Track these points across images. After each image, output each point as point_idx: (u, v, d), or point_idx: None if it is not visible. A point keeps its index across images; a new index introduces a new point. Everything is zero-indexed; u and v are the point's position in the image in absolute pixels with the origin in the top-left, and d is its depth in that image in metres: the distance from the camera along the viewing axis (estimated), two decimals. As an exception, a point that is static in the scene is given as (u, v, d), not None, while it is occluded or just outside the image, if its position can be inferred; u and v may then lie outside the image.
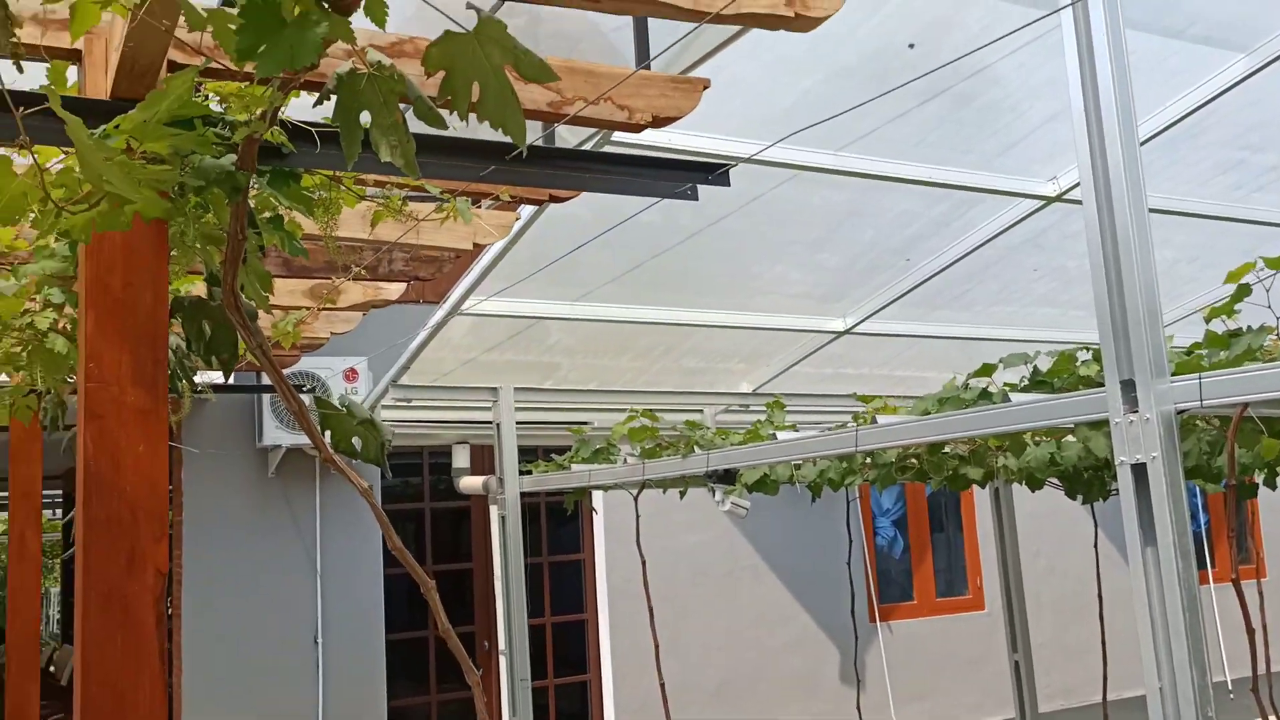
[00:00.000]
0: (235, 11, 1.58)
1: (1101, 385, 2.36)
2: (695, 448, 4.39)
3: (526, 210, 3.84)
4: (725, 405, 6.52)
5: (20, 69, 1.40)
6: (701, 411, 6.51)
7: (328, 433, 2.20)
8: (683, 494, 5.20)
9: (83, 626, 1.92)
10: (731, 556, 8.95)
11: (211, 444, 7.17)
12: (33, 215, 1.81)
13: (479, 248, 3.67)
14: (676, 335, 5.81)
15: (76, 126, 1.43)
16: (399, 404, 5.74)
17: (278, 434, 6.92)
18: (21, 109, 1.44)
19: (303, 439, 6.97)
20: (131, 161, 1.60)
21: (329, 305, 3.87)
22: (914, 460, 4.42)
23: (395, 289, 4.33)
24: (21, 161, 2.06)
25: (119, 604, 1.93)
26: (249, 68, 1.70)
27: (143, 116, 1.55)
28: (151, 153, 1.79)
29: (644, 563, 5.36)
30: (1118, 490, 2.29)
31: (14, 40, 1.33)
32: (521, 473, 5.63)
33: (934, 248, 4.91)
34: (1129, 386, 2.25)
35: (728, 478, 4.21)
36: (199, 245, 2.19)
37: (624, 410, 6.41)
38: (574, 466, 5.30)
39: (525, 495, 5.67)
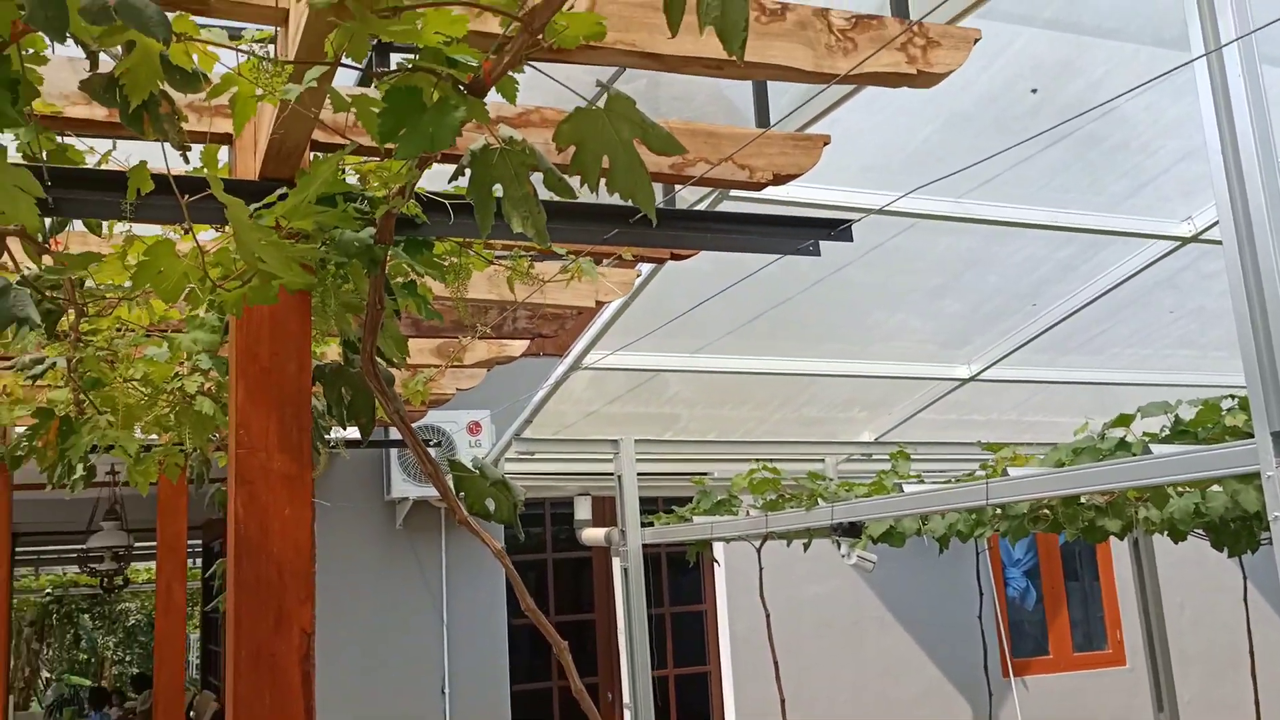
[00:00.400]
0: (377, 95, 1.66)
1: (1250, 436, 2.25)
2: (819, 500, 4.34)
3: (646, 266, 3.89)
4: (847, 454, 6.44)
5: (186, 159, 1.50)
6: (823, 461, 6.44)
7: (461, 494, 2.25)
8: (807, 546, 5.14)
9: (233, 685, 1.99)
10: (857, 607, 8.78)
11: (341, 497, 7.39)
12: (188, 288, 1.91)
13: (600, 304, 3.73)
14: (796, 385, 5.78)
15: (237, 211, 1.51)
16: (522, 456, 5.83)
17: (405, 487, 7.09)
18: (187, 196, 1.54)
19: (430, 491, 7.13)
20: (282, 240, 1.69)
21: (456, 363, 3.97)
22: (1047, 511, 4.28)
23: (519, 345, 4.42)
24: (170, 237, 2.18)
25: (267, 663, 2.00)
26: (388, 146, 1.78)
27: (296, 200, 1.64)
28: (298, 229, 1.89)
29: (768, 615, 5.30)
30: (1269, 541, 2.18)
31: (181, 133, 1.43)
32: (643, 524, 5.64)
33: (1061, 292, 4.79)
34: (1280, 438, 2.16)
35: (853, 531, 4.15)
36: (338, 313, 2.28)
37: (744, 460, 6.39)
38: (696, 519, 5.29)
39: (646, 546, 5.68)
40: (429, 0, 1.30)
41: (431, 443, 6.88)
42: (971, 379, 5.54)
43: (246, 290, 1.82)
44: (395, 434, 6.91)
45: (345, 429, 2.56)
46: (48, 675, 18.13)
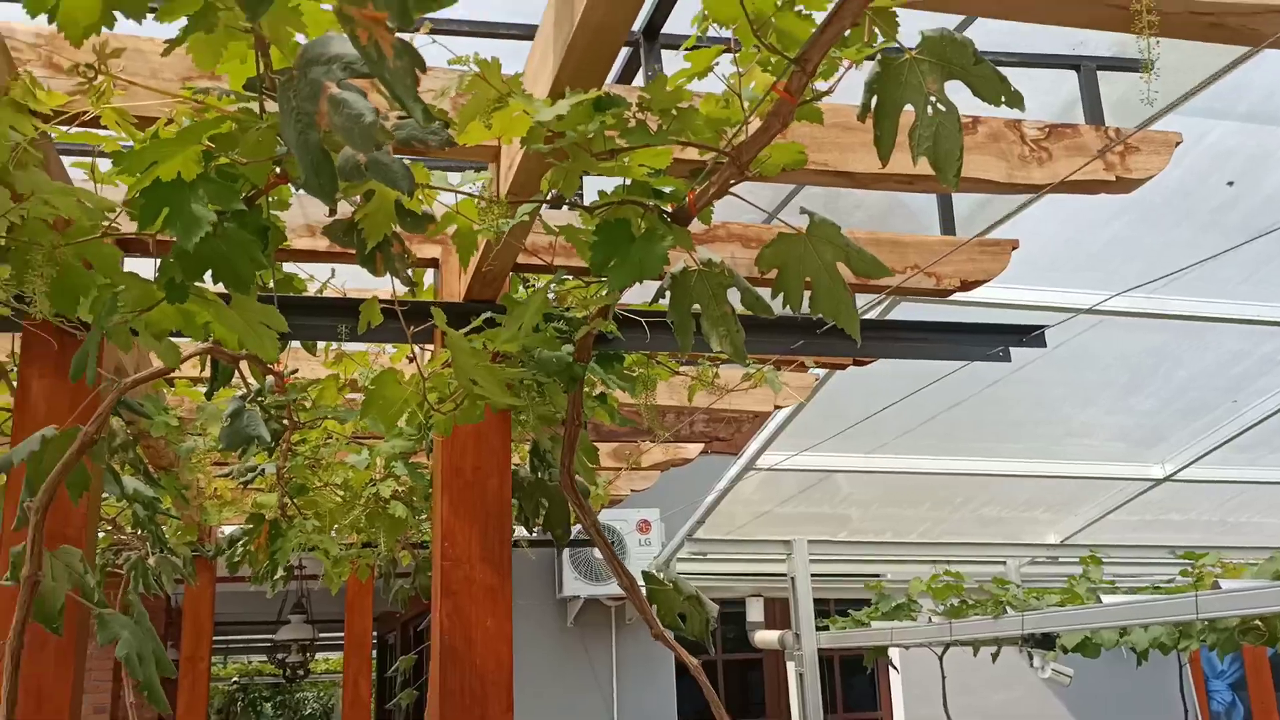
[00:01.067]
0: (578, 222, 1.74)
1: None
2: (1007, 608, 4.16)
3: (822, 370, 3.88)
4: (1030, 557, 6.17)
5: (412, 292, 1.59)
6: (1004, 564, 6.18)
7: (653, 606, 2.26)
8: (995, 656, 4.92)
9: (438, 794, 2.03)
10: (1042, 716, 8.29)
11: (514, 595, 7.50)
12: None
13: (778, 408, 3.73)
14: (976, 485, 5.60)
15: (457, 340, 1.60)
16: (695, 557, 5.81)
17: (577, 585, 7.15)
18: (411, 326, 1.63)
19: (601, 590, 7.17)
20: (494, 365, 1.77)
21: (634, 466, 4.02)
22: (1259, 623, 3.99)
23: (694, 449, 4.45)
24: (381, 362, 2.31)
25: (470, 772, 2.04)
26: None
27: (512, 329, 1.71)
28: (503, 351, 1.97)
29: (953, 728, 5.07)
30: None
31: (410, 269, 1.53)
32: (818, 627, 5.52)
33: (1266, 387, 4.52)
34: None
35: (1045, 642, 3.95)
36: (534, 427, 2.36)
37: (920, 562, 6.20)
38: (874, 624, 5.14)
39: (821, 650, 5.54)
40: (645, 142, 1.36)
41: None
42: (1167, 479, 5.25)
43: (457, 412, 1.91)
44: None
45: (531, 532, 2.62)
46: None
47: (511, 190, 1.71)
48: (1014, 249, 2.57)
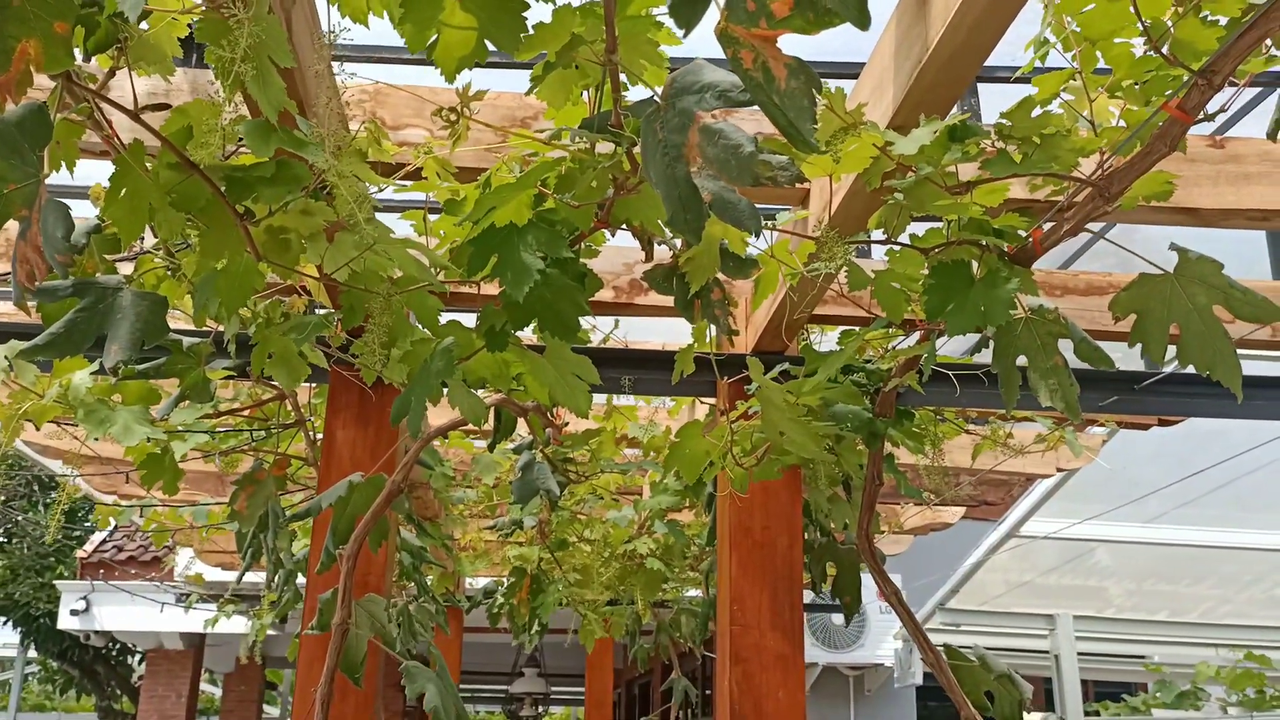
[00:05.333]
0: (896, 265, 1.62)
1: None
2: (1327, 703, 3.67)
3: (1106, 429, 3.58)
4: (1334, 644, 5.49)
5: (732, 342, 1.52)
6: (1300, 650, 5.53)
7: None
8: (1306, 757, 4.37)
9: None
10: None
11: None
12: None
13: (1061, 470, 3.46)
14: (1269, 562, 5.04)
15: (772, 392, 1.51)
16: (946, 628, 5.50)
17: (815, 653, 6.91)
18: (725, 379, 1.55)
19: (840, 658, 6.90)
20: (803, 419, 1.66)
21: (896, 530, 3.82)
22: None
23: (954, 513, 4.20)
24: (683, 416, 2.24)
25: None
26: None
27: (822, 378, 1.61)
28: (804, 404, 1.87)
29: (1251, 835, 4.52)
30: None
31: (730, 317, 1.45)
32: (1087, 713, 5.08)
33: None
34: None
35: (1379, 745, 3.45)
36: (821, 488, 2.24)
37: (1200, 645, 5.64)
38: (1155, 713, 4.68)
39: (1090, 739, 5.10)
40: (1011, 172, 1.23)
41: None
42: None
43: (755, 467, 1.81)
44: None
45: (818, 595, 2.48)
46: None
47: (826, 232, 1.62)
48: (1365, 295, 2.26)
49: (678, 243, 1.47)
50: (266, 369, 1.67)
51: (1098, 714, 5.01)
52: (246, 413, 2.40)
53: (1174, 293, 1.39)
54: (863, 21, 0.76)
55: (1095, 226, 2.37)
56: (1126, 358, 2.75)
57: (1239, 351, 2.57)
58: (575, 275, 1.45)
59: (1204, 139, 1.80)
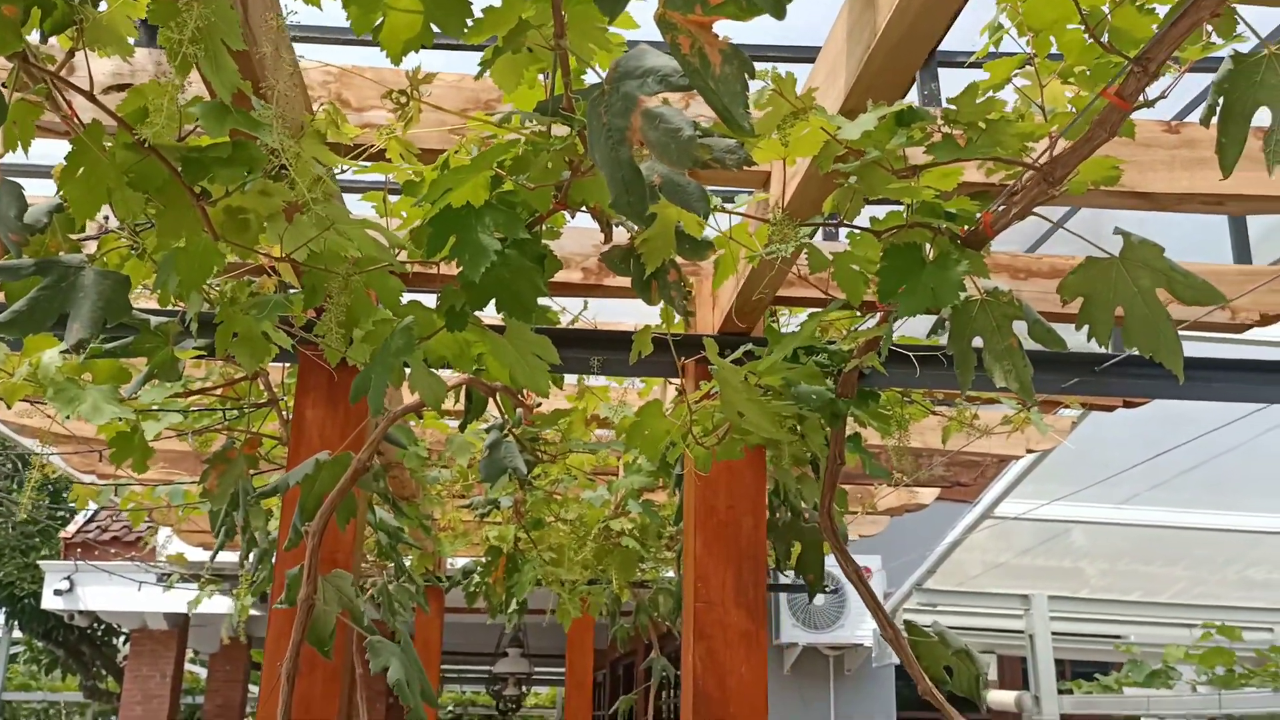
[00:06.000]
0: (857, 248, 1.65)
1: None
2: (1290, 681, 3.73)
3: (1073, 411, 3.62)
4: (1305, 625, 5.57)
5: (688, 323, 1.54)
6: (1272, 630, 5.61)
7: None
8: (1272, 735, 4.42)
9: (691, 847, 1.95)
10: (1313, 807, 7.46)
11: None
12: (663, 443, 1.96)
13: (1030, 452, 3.50)
14: (1241, 543, 5.10)
15: (727, 371, 1.53)
16: (923, 608, 5.55)
17: (795, 633, 6.96)
18: (683, 358, 1.58)
19: (821, 638, 6.96)
20: (762, 398, 1.69)
21: (869, 510, 3.86)
22: None
23: (929, 494, 4.24)
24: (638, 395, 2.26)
25: (722, 827, 1.94)
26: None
27: (777, 357, 1.64)
28: (765, 385, 1.90)
29: (1218, 811, 4.59)
30: None
31: (686, 298, 1.47)
32: (1059, 690, 5.14)
33: None
34: None
35: (1341, 722, 3.51)
36: (785, 468, 2.27)
37: (1173, 625, 5.71)
38: (1126, 690, 4.74)
39: (1063, 716, 5.16)
40: (954, 156, 1.26)
41: (828, 589, 6.74)
42: None
43: (717, 447, 1.84)
44: (783, 578, 6.85)
45: (782, 575, 2.50)
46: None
47: (784, 214, 1.64)
48: (1324, 279, 2.30)
49: (634, 226, 1.49)
50: (231, 349, 1.69)
51: (1070, 692, 5.07)
52: (220, 392, 2.42)
53: (1119, 276, 1.42)
54: (779, 11, 0.78)
55: (1059, 212, 2.40)
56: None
57: (1199, 334, 2.61)
58: (534, 256, 1.47)
59: (1160, 124, 1.83)
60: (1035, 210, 2.04)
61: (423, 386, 1.67)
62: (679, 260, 1.51)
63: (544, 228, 1.55)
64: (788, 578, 2.32)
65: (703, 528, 2.10)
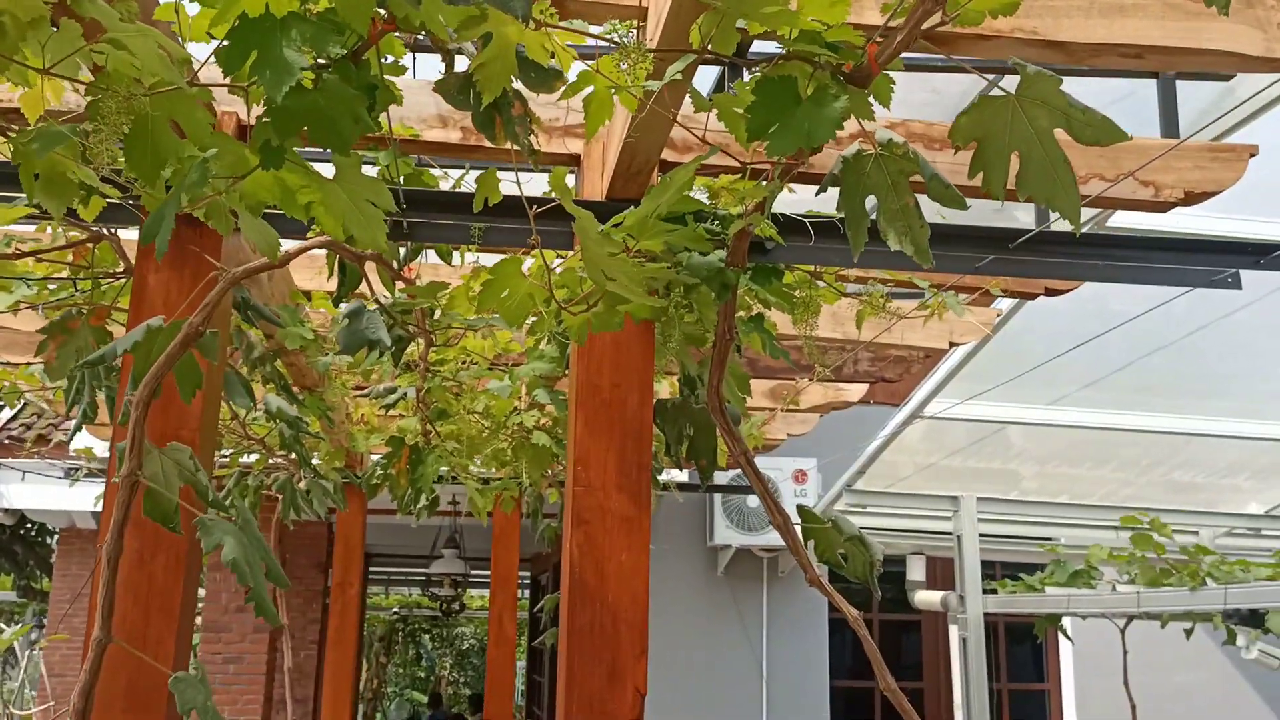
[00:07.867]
0: (744, 92, 1.48)
1: None
2: (1207, 580, 3.72)
3: (1005, 303, 3.51)
4: (1228, 528, 5.61)
5: (535, 166, 1.37)
6: (1196, 533, 5.64)
7: (810, 543, 2.02)
8: (1189, 633, 4.46)
9: (564, 739, 1.85)
10: (1229, 704, 7.66)
11: (662, 541, 7.34)
12: (532, 319, 1.81)
13: (954, 346, 3.39)
14: (1168, 445, 5.09)
15: (586, 222, 1.37)
16: (853, 510, 5.51)
17: (728, 534, 6.94)
18: (534, 207, 1.42)
19: (754, 540, 6.94)
20: (631, 260, 1.54)
21: (791, 407, 3.75)
22: None
23: (856, 390, 4.14)
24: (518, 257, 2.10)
25: (599, 717, 1.84)
26: (749, 150, 1.59)
27: (645, 212, 1.48)
28: (646, 251, 1.74)
29: (1133, 706, 4.65)
30: None
31: (531, 135, 1.31)
32: (985, 590, 5.14)
33: None
34: None
35: (1253, 619, 3.51)
36: (680, 346, 2.13)
37: (1101, 528, 5.72)
38: (1049, 590, 4.75)
39: (987, 615, 5.18)
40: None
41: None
42: (1398, 446, 4.64)
43: (591, 315, 1.69)
44: (719, 479, 6.80)
45: (681, 470, 2.38)
46: (391, 690, 19.58)
47: (662, 48, 1.47)
48: (1252, 155, 2.17)
49: (474, 51, 1.31)
50: (36, 195, 1.50)
51: (995, 591, 5.08)
52: (72, 260, 2.22)
53: (1015, 116, 1.27)
54: None
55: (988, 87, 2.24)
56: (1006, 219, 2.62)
57: (1121, 214, 2.47)
58: (362, 85, 1.29)
59: (1079, -35, 1.66)
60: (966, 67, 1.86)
61: (254, 234, 1.50)
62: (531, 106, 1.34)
63: (382, 59, 1.37)
64: (676, 457, 2.17)
65: (584, 406, 1.96)
